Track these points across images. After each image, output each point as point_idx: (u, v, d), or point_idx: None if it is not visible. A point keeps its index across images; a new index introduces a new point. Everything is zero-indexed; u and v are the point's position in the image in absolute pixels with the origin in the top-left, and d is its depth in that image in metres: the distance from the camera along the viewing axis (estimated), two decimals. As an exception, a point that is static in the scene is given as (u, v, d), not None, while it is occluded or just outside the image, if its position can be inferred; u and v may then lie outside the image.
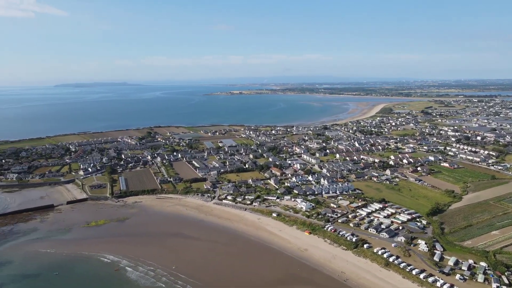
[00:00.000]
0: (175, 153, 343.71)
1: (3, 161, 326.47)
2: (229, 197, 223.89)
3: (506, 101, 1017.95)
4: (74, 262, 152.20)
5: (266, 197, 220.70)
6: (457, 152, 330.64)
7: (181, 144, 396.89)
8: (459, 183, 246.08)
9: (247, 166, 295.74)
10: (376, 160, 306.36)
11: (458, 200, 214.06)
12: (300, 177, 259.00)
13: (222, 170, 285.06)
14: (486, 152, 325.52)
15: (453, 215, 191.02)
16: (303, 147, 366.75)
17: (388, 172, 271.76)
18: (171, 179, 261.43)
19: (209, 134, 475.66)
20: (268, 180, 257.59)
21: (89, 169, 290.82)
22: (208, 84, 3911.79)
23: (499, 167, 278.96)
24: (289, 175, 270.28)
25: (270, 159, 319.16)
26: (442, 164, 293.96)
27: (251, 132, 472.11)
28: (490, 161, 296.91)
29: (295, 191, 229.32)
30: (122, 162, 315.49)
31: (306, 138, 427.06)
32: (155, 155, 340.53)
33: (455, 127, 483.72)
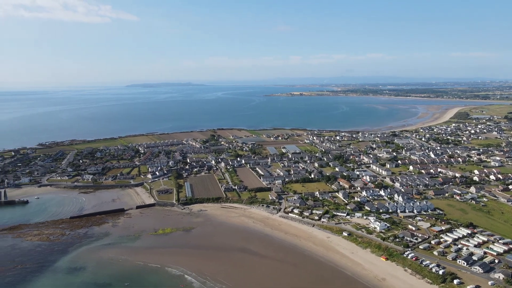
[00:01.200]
0: (238, 159, 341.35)
1: (81, 161, 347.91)
2: (296, 211, 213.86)
3: None
4: (144, 273, 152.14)
5: (335, 212, 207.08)
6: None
7: (244, 149, 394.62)
8: None
9: (312, 176, 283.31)
10: (457, 175, 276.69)
11: None
12: (371, 191, 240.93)
13: (286, 179, 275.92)
14: None
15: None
16: (371, 156, 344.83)
17: (473, 189, 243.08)
18: (236, 187, 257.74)
19: (272, 138, 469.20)
20: (336, 193, 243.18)
21: (157, 173, 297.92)
22: (267, 84, 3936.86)
23: None
24: (358, 188, 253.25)
25: (337, 169, 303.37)
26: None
27: (314, 138, 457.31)
28: None
29: (367, 208, 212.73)
30: (187, 167, 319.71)
31: (374, 146, 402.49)
32: (219, 160, 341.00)
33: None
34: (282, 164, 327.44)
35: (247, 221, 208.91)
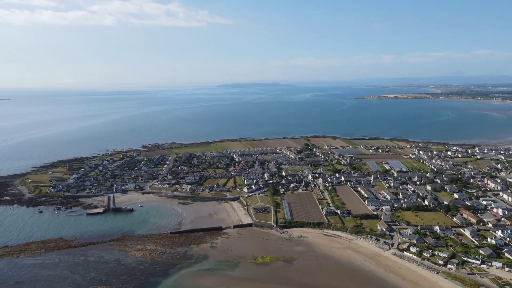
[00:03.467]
0: (337, 175, 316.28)
1: (179, 168, 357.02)
2: (412, 249, 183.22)
3: None
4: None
5: (464, 258, 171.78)
6: None
7: (342, 163, 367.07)
8: None
9: (426, 202, 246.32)
10: None
11: None
12: (510, 231, 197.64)
13: (395, 205, 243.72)
14: None
15: None
16: (498, 181, 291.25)
17: None
18: (338, 211, 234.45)
19: (371, 151, 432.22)
20: (461, 230, 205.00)
21: (253, 187, 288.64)
22: (356, 85, 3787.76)
23: None
24: (490, 225, 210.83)
25: (456, 196, 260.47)
26: None
27: (421, 152, 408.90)
28: None
29: (508, 255, 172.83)
30: (283, 181, 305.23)
31: (499, 166, 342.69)
32: (316, 175, 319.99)
33: None
34: (387, 185, 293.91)
35: (354, 256, 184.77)
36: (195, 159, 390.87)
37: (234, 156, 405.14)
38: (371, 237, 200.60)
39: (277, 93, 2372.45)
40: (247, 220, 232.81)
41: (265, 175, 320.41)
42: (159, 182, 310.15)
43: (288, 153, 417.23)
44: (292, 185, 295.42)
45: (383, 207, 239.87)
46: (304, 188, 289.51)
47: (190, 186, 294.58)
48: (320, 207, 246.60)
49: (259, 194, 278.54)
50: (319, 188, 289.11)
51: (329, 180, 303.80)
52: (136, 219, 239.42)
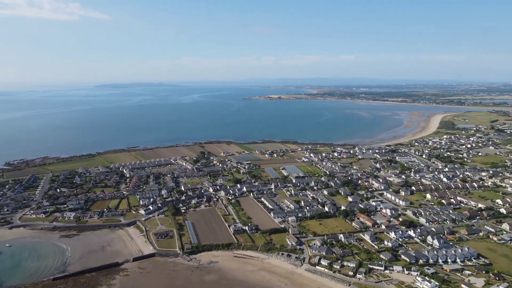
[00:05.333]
0: (239, 185, 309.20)
1: (58, 190, 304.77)
2: (323, 262, 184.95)
3: None
4: None
5: (370, 265, 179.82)
6: None
7: (241, 171, 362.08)
8: None
9: (327, 209, 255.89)
10: (481, 206, 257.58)
11: None
12: (400, 232, 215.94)
13: (300, 215, 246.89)
14: None
15: None
16: (380, 180, 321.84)
17: (506, 226, 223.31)
18: (246, 228, 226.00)
19: (267, 155, 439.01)
20: (361, 235, 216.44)
21: (150, 207, 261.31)
22: (242, 85, 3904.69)
23: None
24: (383, 226, 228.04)
25: (350, 199, 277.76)
26: None
27: (312, 155, 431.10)
28: None
29: (404, 258, 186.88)
30: (183, 197, 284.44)
31: (378, 165, 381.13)
32: (217, 187, 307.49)
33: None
34: (288, 192, 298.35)
35: (269, 278, 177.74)
36: (77, 177, 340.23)
37: (124, 170, 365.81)
38: (282, 254, 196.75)
39: (163, 94, 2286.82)
40: (148, 249, 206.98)
41: (163, 192, 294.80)
42: (32, 212, 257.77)
43: (184, 164, 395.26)
44: (193, 201, 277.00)
45: (289, 218, 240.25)
46: (207, 204, 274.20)
47: (74, 213, 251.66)
48: (226, 224, 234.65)
49: (158, 215, 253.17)
50: (222, 202, 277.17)
51: (231, 192, 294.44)
52: (4, 264, 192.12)
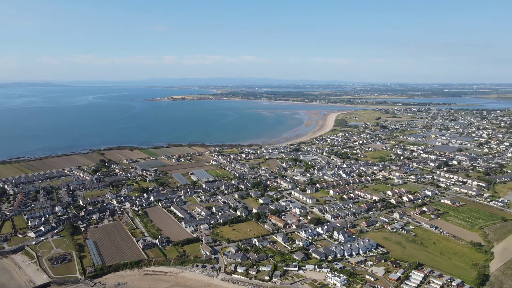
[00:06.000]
0: (145, 195, 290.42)
1: None
2: (239, 269, 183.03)
3: (441, 109, 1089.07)
4: None
5: (285, 267, 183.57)
6: (447, 183, 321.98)
7: (147, 179, 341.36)
8: (474, 229, 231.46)
9: (239, 213, 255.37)
10: (375, 198, 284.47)
11: (491, 257, 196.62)
12: (310, 230, 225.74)
13: (212, 221, 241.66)
14: (475, 182, 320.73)
15: (502, 284, 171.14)
16: (288, 179, 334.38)
17: (396, 216, 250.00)
18: (157, 241, 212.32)
19: (174, 160, 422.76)
20: (274, 237, 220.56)
21: (41, 228, 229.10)
22: (143, 85, 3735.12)
23: (499, 204, 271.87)
24: (294, 226, 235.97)
25: (261, 201, 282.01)
26: (442, 201, 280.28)
27: (220, 158, 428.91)
28: (485, 195, 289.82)
29: (315, 255, 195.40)
30: (82, 213, 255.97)
31: (284, 165, 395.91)
32: (122, 198, 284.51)
33: (423, 147, 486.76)
34: (198, 199, 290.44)
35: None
36: None
37: (6, 186, 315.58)
38: (197, 265, 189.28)
39: (51, 96, 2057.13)
40: (41, 278, 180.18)
41: (57, 209, 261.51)
42: None
43: (81, 174, 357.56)
44: (94, 216, 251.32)
45: (201, 226, 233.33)
46: (111, 218, 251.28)
47: None
48: (134, 240, 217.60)
49: (52, 236, 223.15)
50: (128, 215, 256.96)
51: (137, 203, 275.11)
52: None
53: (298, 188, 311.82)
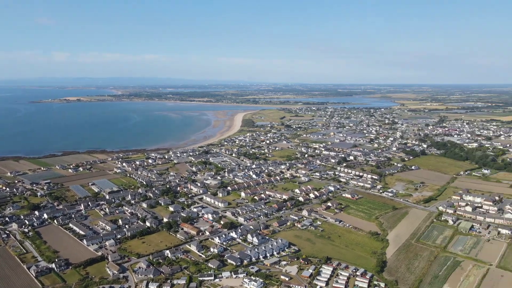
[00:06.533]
0: (37, 213, 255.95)
1: None
2: (152, 286, 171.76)
3: (337, 108, 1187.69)
4: None
5: (200, 278, 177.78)
6: (347, 178, 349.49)
7: (39, 194, 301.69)
8: (371, 219, 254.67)
9: (148, 224, 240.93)
10: (285, 197, 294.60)
11: (386, 244, 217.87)
12: (224, 236, 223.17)
13: (119, 236, 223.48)
14: (369, 176, 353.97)
15: (398, 268, 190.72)
16: (198, 184, 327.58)
17: (305, 213, 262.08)
18: (53, 265, 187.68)
19: (70, 170, 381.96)
20: (188, 246, 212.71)
21: None
22: (29, 85, 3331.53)
23: (390, 194, 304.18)
24: (207, 233, 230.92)
25: (171, 209, 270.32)
26: (344, 195, 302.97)
27: (125, 165, 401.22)
28: (378, 187, 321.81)
29: (230, 261, 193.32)
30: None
31: (194, 169, 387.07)
32: (6, 219, 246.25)
33: (324, 144, 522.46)
34: (102, 212, 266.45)
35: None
36: None
37: None
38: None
39: None
40: None
41: None
42: None
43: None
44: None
45: (107, 243, 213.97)
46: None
47: None
48: (25, 266, 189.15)
49: None
50: (15, 237, 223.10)
51: (27, 222, 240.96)
52: None
53: (209, 192, 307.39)
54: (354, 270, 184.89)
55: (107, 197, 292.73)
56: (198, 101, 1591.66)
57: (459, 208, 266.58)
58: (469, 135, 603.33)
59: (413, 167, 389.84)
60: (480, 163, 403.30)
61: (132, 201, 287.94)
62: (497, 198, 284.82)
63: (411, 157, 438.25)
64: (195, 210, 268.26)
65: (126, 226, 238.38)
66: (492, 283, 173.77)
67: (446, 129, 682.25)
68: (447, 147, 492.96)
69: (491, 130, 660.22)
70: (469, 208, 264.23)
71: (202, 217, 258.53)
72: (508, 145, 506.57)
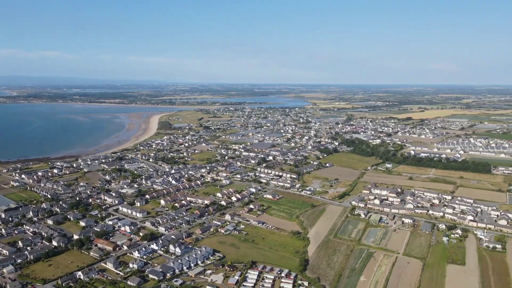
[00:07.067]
0: None
1: None
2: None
3: (254, 108, 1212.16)
4: None
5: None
6: (267, 178, 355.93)
7: None
8: (292, 219, 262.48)
9: (55, 243, 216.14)
10: (207, 202, 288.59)
11: (308, 242, 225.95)
12: (143, 249, 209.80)
13: (19, 260, 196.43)
14: (288, 175, 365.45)
15: (319, 265, 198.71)
16: (113, 194, 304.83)
17: (228, 217, 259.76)
18: None
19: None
20: (103, 264, 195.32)
21: None
22: None
23: (308, 192, 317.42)
24: (125, 247, 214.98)
25: (82, 223, 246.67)
26: (265, 196, 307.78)
27: (24, 177, 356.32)
28: (297, 186, 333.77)
29: (152, 276, 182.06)
30: None
31: (108, 177, 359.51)
32: None
33: (243, 145, 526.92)
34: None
35: None
36: None
37: None
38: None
39: None
40: None
41: None
42: None
43: None
44: None
45: (4, 270, 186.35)
46: None
47: None
48: None
49: None
50: None
51: None
52: None
53: (126, 202, 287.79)
54: (279, 272, 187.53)
55: (3, 215, 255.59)
56: (110, 102, 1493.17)
57: (369, 202, 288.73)
58: (373, 132, 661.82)
59: (327, 165, 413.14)
60: (383, 158, 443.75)
61: (35, 219, 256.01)
62: (399, 190, 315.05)
63: (325, 155, 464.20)
64: (110, 223, 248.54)
65: (28, 248, 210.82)
66: (400, 271, 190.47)
67: (354, 127, 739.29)
68: (355, 144, 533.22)
69: (390, 127, 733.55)
70: (377, 201, 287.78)
71: (118, 230, 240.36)
72: (404, 141, 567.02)
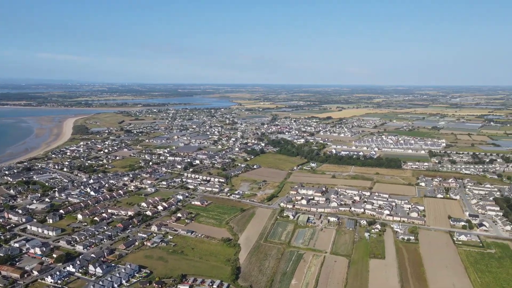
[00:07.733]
0: None
1: None
2: None
3: (178, 109, 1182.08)
4: None
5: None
6: (195, 184, 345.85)
7: None
8: (222, 225, 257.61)
9: None
10: (130, 213, 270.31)
11: (239, 249, 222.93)
12: (59, 272, 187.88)
13: None
14: (216, 179, 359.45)
15: (251, 272, 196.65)
16: (19, 211, 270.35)
17: (154, 228, 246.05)
18: None
19: None
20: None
21: None
22: None
23: (237, 196, 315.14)
24: (35, 272, 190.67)
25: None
26: (193, 203, 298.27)
27: None
28: (226, 190, 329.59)
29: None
30: None
31: (13, 191, 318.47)
32: None
33: (169, 149, 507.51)
34: None
35: None
36: None
37: None
38: None
39: None
40: None
41: None
42: None
43: None
44: None
45: None
46: None
47: None
48: None
49: None
50: None
51: None
52: None
53: (35, 220, 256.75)
54: (210, 284, 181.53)
55: None
56: (14, 105, 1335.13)
57: (296, 202, 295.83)
58: (297, 132, 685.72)
59: (255, 166, 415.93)
60: (308, 157, 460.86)
61: None
62: (324, 189, 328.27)
63: (252, 156, 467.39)
64: (16, 245, 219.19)
65: None
66: (328, 270, 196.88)
67: (279, 127, 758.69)
68: (281, 144, 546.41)
69: (313, 126, 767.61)
70: (304, 201, 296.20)
71: (27, 253, 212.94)
72: (326, 139, 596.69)
